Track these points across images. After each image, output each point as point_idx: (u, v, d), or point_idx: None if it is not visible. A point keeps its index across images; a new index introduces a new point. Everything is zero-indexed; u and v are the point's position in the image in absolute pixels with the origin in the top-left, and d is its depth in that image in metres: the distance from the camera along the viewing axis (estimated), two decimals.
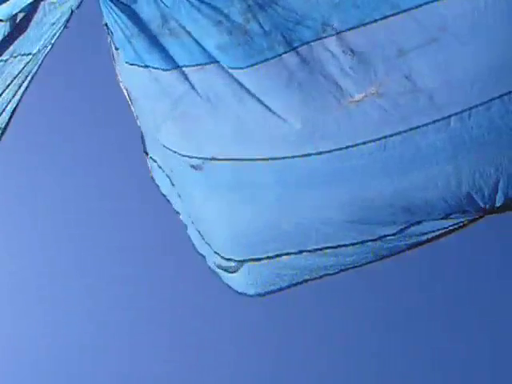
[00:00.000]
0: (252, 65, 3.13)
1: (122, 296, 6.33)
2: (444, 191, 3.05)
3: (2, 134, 3.37)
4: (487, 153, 2.98)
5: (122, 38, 3.29)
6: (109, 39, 3.37)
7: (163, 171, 3.66)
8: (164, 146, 3.43)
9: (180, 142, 3.39)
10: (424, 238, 3.27)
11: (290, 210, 3.28)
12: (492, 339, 5.90)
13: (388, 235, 3.25)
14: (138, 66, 3.30)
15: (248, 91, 3.16)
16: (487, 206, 3.05)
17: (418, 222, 3.20)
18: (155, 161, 3.69)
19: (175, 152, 3.39)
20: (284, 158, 3.21)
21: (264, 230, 3.35)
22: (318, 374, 6.14)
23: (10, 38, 2.81)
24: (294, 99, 3.13)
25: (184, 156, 3.37)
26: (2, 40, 2.79)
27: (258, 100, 3.16)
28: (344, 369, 6.16)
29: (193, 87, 3.24)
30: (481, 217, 3.15)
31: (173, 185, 3.63)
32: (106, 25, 3.33)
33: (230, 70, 3.17)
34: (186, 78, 3.24)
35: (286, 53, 3.06)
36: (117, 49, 3.36)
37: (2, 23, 2.75)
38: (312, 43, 3.02)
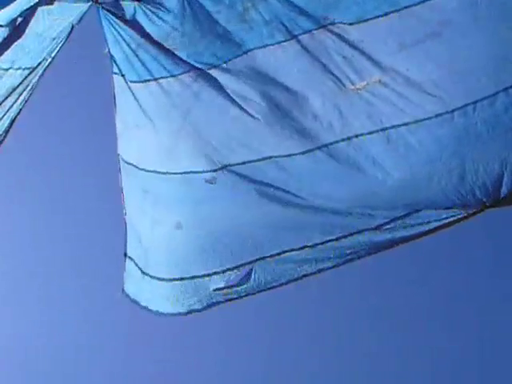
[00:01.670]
0: (250, 49, 3.11)
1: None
2: (446, 186, 3.00)
3: (1, 141, 3.31)
4: (492, 148, 2.93)
5: (127, 52, 3.24)
6: (113, 68, 3.31)
7: (138, 268, 3.61)
8: (176, 174, 3.39)
9: (193, 157, 3.35)
10: (422, 229, 3.20)
11: (295, 206, 3.25)
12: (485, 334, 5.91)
13: (386, 223, 3.19)
14: (147, 80, 3.27)
15: (250, 84, 3.16)
16: (490, 201, 3.00)
17: (417, 211, 3.14)
18: (132, 259, 3.63)
19: (189, 172, 3.36)
20: (289, 155, 3.20)
21: (274, 228, 3.33)
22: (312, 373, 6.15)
23: (8, 41, 2.74)
24: (294, 88, 3.11)
25: (198, 173, 3.35)
26: (1, 43, 2.73)
27: (259, 94, 3.16)
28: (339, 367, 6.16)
29: (200, 92, 3.23)
30: (482, 210, 3.08)
31: (143, 273, 3.58)
32: (109, 51, 3.28)
33: (228, 65, 3.16)
34: (194, 83, 3.22)
35: (286, 41, 3.05)
36: (123, 75, 3.30)
37: (2, 28, 2.68)
38: (314, 31, 3.00)
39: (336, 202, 3.20)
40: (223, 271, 3.41)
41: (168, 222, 3.48)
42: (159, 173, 3.42)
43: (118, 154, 3.50)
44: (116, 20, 3.18)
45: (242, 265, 3.38)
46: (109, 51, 3.27)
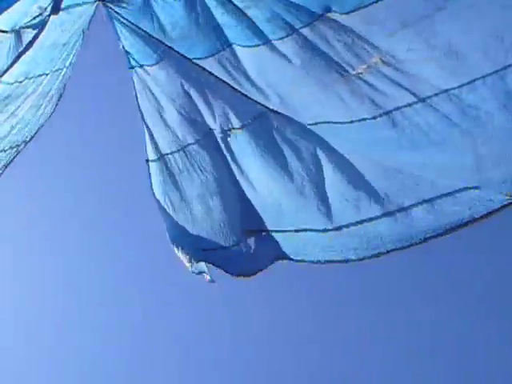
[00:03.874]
0: (255, 45, 3.12)
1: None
2: (461, 167, 2.84)
3: (18, 150, 3.38)
4: (506, 129, 2.71)
5: (141, 35, 3.31)
6: (130, 62, 3.37)
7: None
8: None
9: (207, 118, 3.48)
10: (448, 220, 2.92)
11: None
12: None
13: (408, 207, 3.01)
14: (161, 60, 3.36)
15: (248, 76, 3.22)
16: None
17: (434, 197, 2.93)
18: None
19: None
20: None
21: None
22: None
23: (18, 53, 2.79)
24: (295, 80, 3.10)
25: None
26: (11, 54, 2.79)
27: (258, 81, 3.21)
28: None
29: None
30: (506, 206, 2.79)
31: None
32: (123, 46, 3.35)
33: (229, 55, 3.23)
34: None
35: (288, 36, 3.02)
36: (141, 65, 3.38)
37: (7, 34, 2.73)
38: (315, 22, 2.94)
39: (344, 188, 3.15)
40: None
41: None
42: (190, 144, 3.54)
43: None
44: (124, 11, 3.24)
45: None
46: (123, 46, 3.35)
